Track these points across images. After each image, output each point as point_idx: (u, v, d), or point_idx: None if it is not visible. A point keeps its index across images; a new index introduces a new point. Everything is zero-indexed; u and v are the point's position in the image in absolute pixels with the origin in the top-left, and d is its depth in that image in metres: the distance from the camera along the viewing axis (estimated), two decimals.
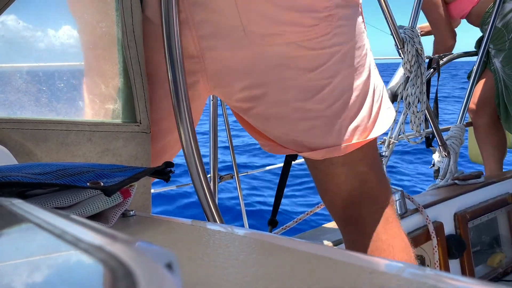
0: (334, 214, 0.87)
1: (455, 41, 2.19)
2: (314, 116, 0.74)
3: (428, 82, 1.94)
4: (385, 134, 2.00)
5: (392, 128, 1.86)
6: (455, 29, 2.29)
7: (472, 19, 2.20)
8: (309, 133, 0.75)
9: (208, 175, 1.45)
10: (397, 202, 1.35)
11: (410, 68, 1.51)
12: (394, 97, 1.69)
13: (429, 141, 1.88)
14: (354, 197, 0.82)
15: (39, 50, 0.72)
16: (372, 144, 0.82)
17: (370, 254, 0.82)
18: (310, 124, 0.74)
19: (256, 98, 0.74)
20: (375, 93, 0.78)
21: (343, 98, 0.74)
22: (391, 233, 0.83)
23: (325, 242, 1.22)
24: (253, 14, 0.67)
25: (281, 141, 0.79)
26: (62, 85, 0.74)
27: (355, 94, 0.74)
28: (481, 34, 2.19)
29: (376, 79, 0.80)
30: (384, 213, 0.83)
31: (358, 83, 0.75)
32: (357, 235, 0.85)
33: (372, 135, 0.78)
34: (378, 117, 0.79)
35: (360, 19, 0.76)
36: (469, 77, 2.16)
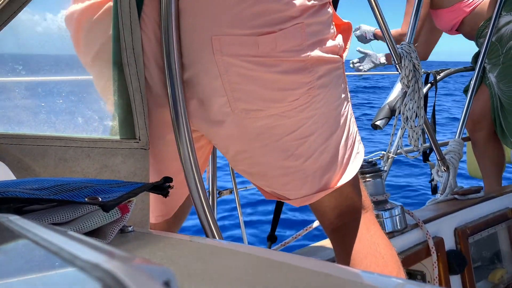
0: (322, 224, 0.97)
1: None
2: (292, 171, 0.82)
3: (426, 96, 1.95)
4: (384, 149, 2.01)
5: (390, 143, 1.86)
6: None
7: (466, 31, 2.19)
8: (288, 186, 0.84)
9: (207, 190, 1.45)
10: (397, 217, 1.34)
11: (408, 83, 1.52)
12: (392, 112, 1.70)
13: (426, 155, 1.88)
14: (340, 210, 0.92)
15: (37, 34, 0.72)
16: None
17: (357, 254, 0.90)
18: (289, 179, 0.83)
19: (239, 159, 0.83)
20: (348, 141, 0.86)
21: (317, 152, 0.81)
22: (373, 234, 0.93)
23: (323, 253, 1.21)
24: (239, 93, 0.73)
25: (265, 189, 0.88)
26: (61, 101, 0.74)
27: (328, 147, 0.82)
28: (477, 48, 2.20)
29: (351, 127, 0.87)
30: (365, 218, 0.93)
31: (331, 136, 0.82)
32: (344, 239, 0.93)
33: (341, 182, 0.86)
34: (348, 164, 0.87)
35: (339, 73, 0.82)
36: (465, 92, 2.17)
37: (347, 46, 0.86)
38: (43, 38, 0.74)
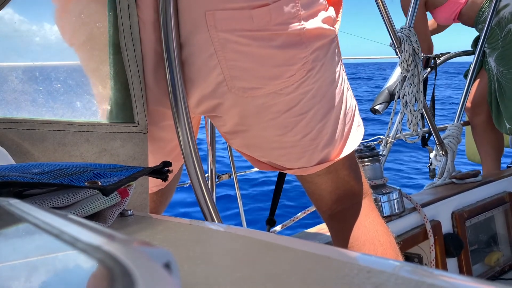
0: (320, 209, 0.96)
1: (430, 52, 2.17)
2: (289, 145, 0.81)
3: (425, 81, 1.94)
4: (383, 133, 2.01)
5: (389, 127, 1.86)
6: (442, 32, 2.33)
7: (465, 20, 2.21)
8: (284, 158, 0.83)
9: (206, 174, 1.45)
10: (395, 201, 1.35)
11: (407, 67, 1.51)
12: (391, 96, 1.69)
13: (425, 140, 1.88)
14: (338, 195, 0.91)
15: (35, 44, 0.72)
16: None
17: (356, 241, 0.89)
18: (286, 152, 0.82)
19: (236, 132, 0.81)
20: (347, 115, 0.85)
21: (317, 128, 0.80)
22: (372, 220, 0.91)
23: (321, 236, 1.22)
24: (235, 71, 0.72)
25: (260, 159, 0.87)
26: (59, 85, 0.74)
27: (327, 122, 0.81)
28: (477, 33, 2.20)
29: (349, 100, 0.86)
30: (364, 204, 0.92)
31: (330, 111, 0.81)
32: (343, 226, 0.92)
33: (342, 155, 0.85)
34: (348, 138, 0.86)
35: (333, 46, 0.81)
36: (465, 76, 2.17)
37: (338, 19, 0.84)
38: (40, 50, 0.74)
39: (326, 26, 0.76)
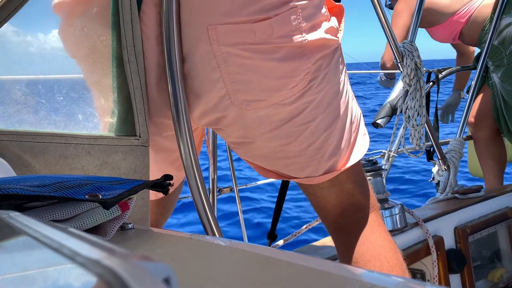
0: (325, 223, 0.95)
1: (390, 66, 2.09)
2: (294, 155, 0.81)
3: (428, 95, 1.95)
4: (385, 147, 2.01)
5: (392, 141, 1.86)
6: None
7: (467, 40, 2.20)
8: (290, 167, 0.84)
9: (207, 188, 1.45)
10: (397, 216, 1.34)
11: (410, 81, 1.52)
12: (393, 111, 1.69)
13: (430, 154, 1.88)
14: (343, 208, 0.90)
15: (31, 54, 0.73)
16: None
17: (361, 257, 0.87)
18: (291, 161, 0.82)
19: (240, 144, 0.82)
20: (352, 124, 0.85)
21: (322, 137, 0.80)
22: (379, 236, 0.90)
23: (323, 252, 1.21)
24: (238, 84, 0.72)
25: (266, 168, 0.87)
26: (61, 98, 0.74)
27: (332, 131, 0.81)
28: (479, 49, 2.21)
29: (354, 109, 0.86)
30: (370, 219, 0.91)
31: (336, 120, 0.81)
32: (348, 240, 0.91)
33: (348, 164, 0.84)
34: (354, 147, 0.86)
35: (337, 56, 0.81)
36: (468, 91, 2.17)
37: (341, 28, 0.85)
38: (37, 60, 0.75)
39: (328, 36, 0.77)
